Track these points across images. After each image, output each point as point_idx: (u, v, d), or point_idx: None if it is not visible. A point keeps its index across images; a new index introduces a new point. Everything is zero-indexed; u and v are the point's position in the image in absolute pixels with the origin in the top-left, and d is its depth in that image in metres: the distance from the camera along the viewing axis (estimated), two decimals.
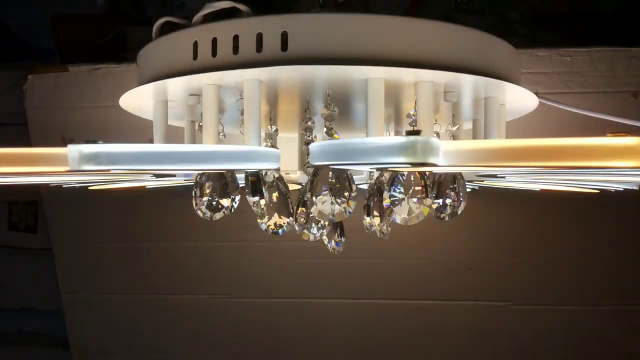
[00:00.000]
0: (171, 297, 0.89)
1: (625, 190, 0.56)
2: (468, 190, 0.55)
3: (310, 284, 0.87)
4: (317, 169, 0.43)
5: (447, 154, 0.24)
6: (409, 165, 0.22)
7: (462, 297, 0.85)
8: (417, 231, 0.83)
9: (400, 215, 0.43)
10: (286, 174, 0.58)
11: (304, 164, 0.55)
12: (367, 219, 0.49)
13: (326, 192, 0.43)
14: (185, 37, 0.39)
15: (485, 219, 0.82)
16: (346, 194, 0.42)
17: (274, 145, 0.52)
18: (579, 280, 0.82)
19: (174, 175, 0.48)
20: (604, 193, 0.61)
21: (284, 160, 0.53)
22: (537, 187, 0.61)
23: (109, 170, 0.23)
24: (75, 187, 0.70)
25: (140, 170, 0.23)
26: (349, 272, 0.86)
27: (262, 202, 0.47)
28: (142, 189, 0.73)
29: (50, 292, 0.94)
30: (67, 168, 0.22)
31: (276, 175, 0.50)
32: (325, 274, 0.86)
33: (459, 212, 0.50)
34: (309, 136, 0.49)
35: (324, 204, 0.43)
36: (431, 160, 0.21)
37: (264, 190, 0.47)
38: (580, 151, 0.20)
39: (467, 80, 0.39)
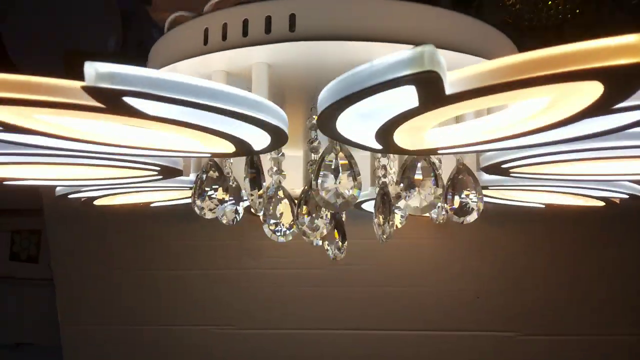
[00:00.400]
0: (172, 328, 0.87)
1: (632, 201, 0.56)
2: None
3: (313, 314, 0.85)
4: (322, 160, 0.44)
5: (452, 84, 0.24)
6: (415, 79, 0.22)
7: (469, 328, 0.83)
8: (423, 259, 0.83)
9: (412, 205, 0.43)
10: (291, 189, 0.58)
11: (308, 180, 0.56)
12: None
13: (331, 181, 0.43)
14: (196, 25, 0.40)
15: (491, 246, 0.81)
16: (351, 182, 0.42)
17: (279, 169, 0.52)
18: (589, 308, 0.80)
19: (180, 173, 0.48)
20: (612, 214, 0.61)
21: (289, 179, 0.53)
22: (541, 198, 0.61)
23: (121, 91, 0.23)
24: (78, 209, 0.71)
25: (151, 95, 0.23)
26: (353, 301, 0.84)
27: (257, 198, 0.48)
28: (146, 212, 0.73)
29: (49, 326, 0.92)
30: (84, 84, 0.22)
31: (281, 181, 0.51)
32: (328, 304, 0.85)
33: (479, 212, 0.49)
34: (314, 136, 0.50)
35: (329, 193, 0.43)
36: (438, 71, 0.22)
37: (263, 184, 0.47)
38: (585, 53, 0.21)
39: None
